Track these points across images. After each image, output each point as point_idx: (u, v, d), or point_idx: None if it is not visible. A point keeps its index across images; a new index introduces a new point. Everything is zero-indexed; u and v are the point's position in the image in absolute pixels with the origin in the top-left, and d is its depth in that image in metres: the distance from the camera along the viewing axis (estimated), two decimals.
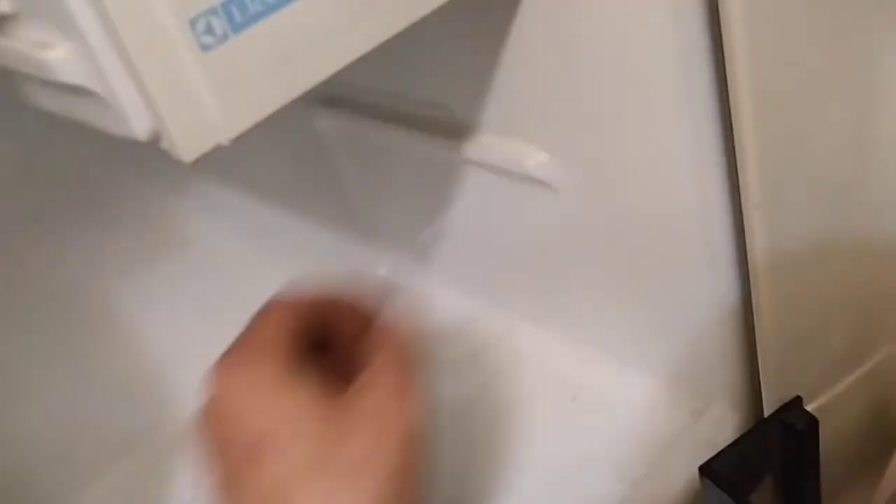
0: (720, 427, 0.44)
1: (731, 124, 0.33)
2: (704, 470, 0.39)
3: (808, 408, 0.42)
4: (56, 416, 0.51)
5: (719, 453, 0.40)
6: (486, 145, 0.44)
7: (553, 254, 0.48)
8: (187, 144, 0.23)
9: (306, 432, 0.26)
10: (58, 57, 0.23)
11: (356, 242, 0.63)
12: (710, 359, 0.43)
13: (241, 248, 0.58)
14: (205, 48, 0.23)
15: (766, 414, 0.42)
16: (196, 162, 0.24)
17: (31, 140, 0.48)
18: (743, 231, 0.36)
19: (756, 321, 0.39)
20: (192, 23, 0.22)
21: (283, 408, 0.27)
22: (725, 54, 0.31)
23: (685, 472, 0.42)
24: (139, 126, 0.23)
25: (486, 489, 0.46)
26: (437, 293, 0.61)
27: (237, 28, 0.23)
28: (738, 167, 0.34)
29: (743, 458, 0.41)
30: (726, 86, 0.32)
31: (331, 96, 0.53)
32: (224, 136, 0.24)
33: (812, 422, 0.40)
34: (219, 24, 0.23)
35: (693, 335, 0.44)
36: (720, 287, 0.39)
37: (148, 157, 0.26)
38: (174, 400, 0.54)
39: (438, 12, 0.28)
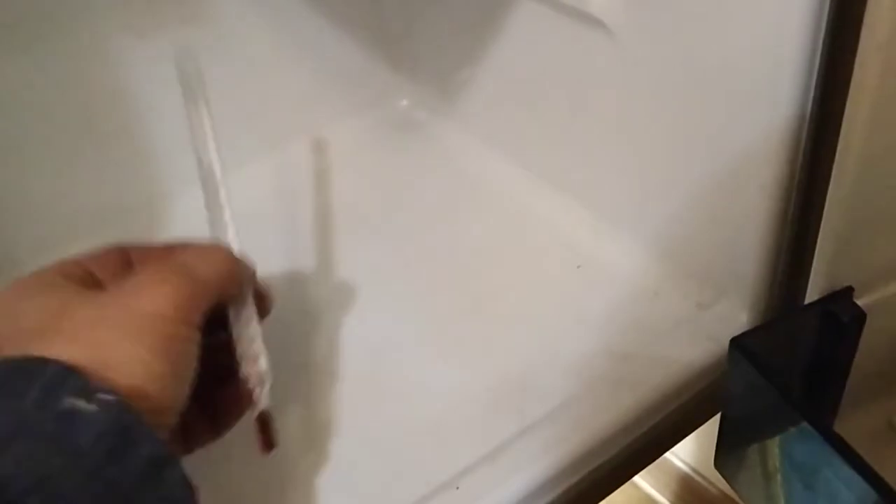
0: (725, 324, 0.41)
1: None
2: (736, 343, 0.35)
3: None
4: None
5: (753, 330, 0.37)
6: None
7: (590, 109, 0.45)
8: None
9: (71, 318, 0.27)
10: None
11: (382, 66, 0.58)
12: (732, 249, 0.40)
13: (260, 34, 0.52)
14: None
15: (807, 302, 0.38)
16: None
17: None
18: (827, 86, 0.32)
19: (831, 189, 0.34)
20: None
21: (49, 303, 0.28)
22: None
23: (678, 360, 0.40)
24: None
25: (471, 332, 0.43)
26: (459, 138, 0.57)
27: None
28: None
29: (775, 342, 0.37)
30: None
31: None
32: None
33: (860, 316, 0.37)
34: None
35: (721, 221, 0.41)
36: (774, 164, 0.35)
37: None
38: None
39: None
